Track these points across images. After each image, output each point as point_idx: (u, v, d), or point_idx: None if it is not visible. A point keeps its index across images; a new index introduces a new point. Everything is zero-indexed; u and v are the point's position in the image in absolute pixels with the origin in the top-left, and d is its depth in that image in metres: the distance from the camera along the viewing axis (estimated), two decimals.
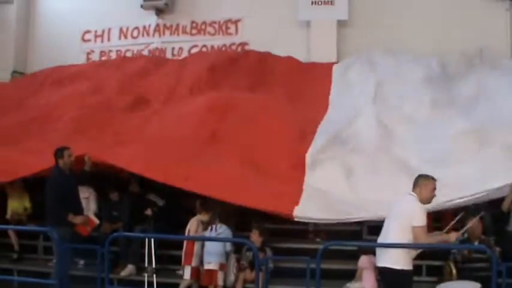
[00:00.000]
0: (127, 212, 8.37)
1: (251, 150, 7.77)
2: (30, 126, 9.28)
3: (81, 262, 8.39)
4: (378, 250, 5.75)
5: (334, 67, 10.04)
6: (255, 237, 7.43)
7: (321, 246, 5.88)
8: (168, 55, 11.89)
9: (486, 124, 7.37)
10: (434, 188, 5.65)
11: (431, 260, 7.16)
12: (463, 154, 7.03)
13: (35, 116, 9.54)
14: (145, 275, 7.34)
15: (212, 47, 11.73)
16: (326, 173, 7.22)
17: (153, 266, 7.32)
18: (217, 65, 10.24)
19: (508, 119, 7.37)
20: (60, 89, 10.39)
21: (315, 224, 8.24)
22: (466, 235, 6.87)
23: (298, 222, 7.46)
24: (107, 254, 6.49)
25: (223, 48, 11.64)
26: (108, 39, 12.44)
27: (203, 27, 11.86)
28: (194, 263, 7.41)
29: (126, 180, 8.56)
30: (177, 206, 8.49)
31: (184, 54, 11.76)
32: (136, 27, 12.24)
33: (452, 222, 6.18)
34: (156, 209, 8.31)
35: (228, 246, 7.37)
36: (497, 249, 6.72)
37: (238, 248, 7.59)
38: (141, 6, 11.85)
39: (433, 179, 5.68)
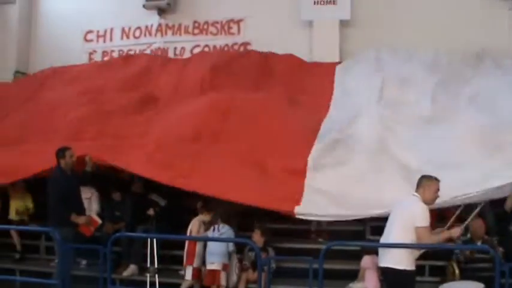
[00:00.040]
0: (129, 212, 8.37)
1: (253, 150, 7.75)
2: (32, 127, 9.28)
3: (84, 262, 8.40)
4: (381, 250, 5.76)
5: (338, 66, 10.02)
6: (257, 237, 7.41)
7: (323, 246, 5.87)
8: (170, 55, 11.86)
9: (487, 124, 7.35)
10: (438, 189, 5.66)
11: (434, 260, 7.14)
12: (465, 154, 7.00)
13: (36, 117, 9.53)
14: (148, 275, 7.32)
15: (214, 47, 11.71)
16: (328, 175, 7.20)
17: (155, 266, 7.31)
18: (220, 65, 10.21)
19: (509, 119, 7.35)
20: (61, 89, 10.39)
21: (318, 224, 8.25)
22: (469, 235, 6.90)
23: (301, 222, 7.46)
24: (109, 254, 6.49)
25: (226, 48, 11.61)
26: (111, 39, 12.42)
27: (205, 27, 11.84)
28: (196, 263, 7.41)
29: (127, 180, 8.56)
30: (179, 206, 8.48)
31: (187, 54, 11.74)
32: (139, 27, 12.23)
33: (453, 218, 6.18)
34: (158, 209, 8.30)
35: (231, 246, 7.36)
36: (500, 249, 6.72)
37: (240, 248, 7.58)
38: (143, 6, 11.83)
39: (437, 179, 5.69)
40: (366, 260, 6.78)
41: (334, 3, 10.85)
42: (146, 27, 12.18)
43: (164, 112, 9.16)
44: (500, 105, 7.77)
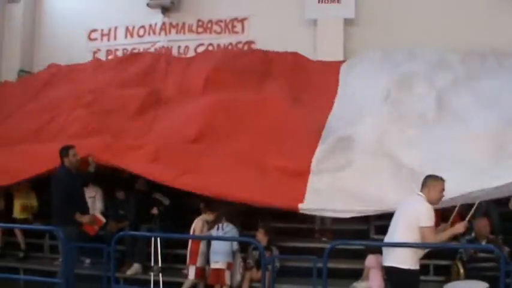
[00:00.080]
0: (133, 210, 8.37)
1: (256, 150, 7.74)
2: (35, 127, 9.29)
3: (87, 261, 8.41)
4: (385, 249, 5.74)
5: (342, 65, 10.00)
6: (261, 236, 7.41)
7: (327, 245, 5.86)
8: (174, 54, 11.85)
9: (491, 124, 7.32)
10: (443, 189, 5.64)
11: (438, 259, 7.13)
12: (468, 154, 6.98)
13: (39, 116, 9.55)
14: (151, 274, 7.35)
15: (218, 45, 11.69)
16: (331, 175, 7.17)
17: (159, 265, 7.32)
18: (224, 63, 10.20)
19: None
20: (65, 89, 10.40)
21: (321, 223, 8.23)
22: (473, 235, 6.87)
23: (305, 221, 7.45)
24: (113, 252, 6.51)
25: (230, 47, 11.60)
26: (115, 38, 12.43)
27: (209, 25, 11.83)
28: (199, 263, 7.40)
29: (131, 178, 8.55)
30: (183, 205, 8.48)
31: (191, 52, 11.74)
32: (143, 26, 12.23)
33: (454, 213, 6.16)
34: (162, 208, 8.31)
35: (235, 245, 7.35)
36: (506, 248, 6.69)
37: (244, 247, 7.57)
38: (147, 4, 11.84)
39: (442, 179, 5.66)
40: (370, 259, 6.77)
41: (338, 2, 10.82)
42: (150, 26, 12.18)
43: (167, 111, 9.16)
44: (504, 105, 7.73)
